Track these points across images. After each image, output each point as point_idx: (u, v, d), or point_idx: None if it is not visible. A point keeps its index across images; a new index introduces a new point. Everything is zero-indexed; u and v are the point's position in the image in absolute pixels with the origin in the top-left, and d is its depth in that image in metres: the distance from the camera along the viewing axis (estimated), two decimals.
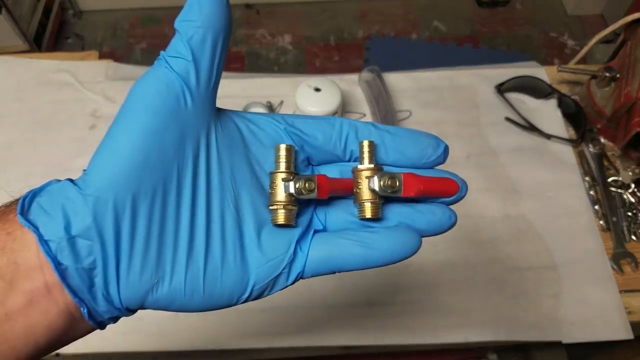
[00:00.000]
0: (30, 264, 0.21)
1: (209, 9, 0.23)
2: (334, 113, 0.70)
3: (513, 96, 0.78)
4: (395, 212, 0.26)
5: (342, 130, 0.26)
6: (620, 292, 0.61)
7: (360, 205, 0.25)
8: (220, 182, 0.24)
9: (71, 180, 0.22)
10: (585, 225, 0.66)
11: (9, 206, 0.22)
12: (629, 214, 0.67)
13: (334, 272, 0.25)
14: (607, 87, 0.73)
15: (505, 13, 1.97)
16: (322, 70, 1.80)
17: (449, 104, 0.77)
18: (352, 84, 0.79)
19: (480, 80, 0.79)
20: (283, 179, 0.24)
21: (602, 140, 0.72)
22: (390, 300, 0.60)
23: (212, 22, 0.23)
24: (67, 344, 0.24)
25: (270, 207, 0.24)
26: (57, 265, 0.21)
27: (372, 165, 0.25)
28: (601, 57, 0.85)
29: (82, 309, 0.22)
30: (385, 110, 0.72)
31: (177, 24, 0.23)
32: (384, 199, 0.25)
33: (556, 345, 0.59)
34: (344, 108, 0.75)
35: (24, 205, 0.21)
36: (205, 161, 0.24)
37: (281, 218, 0.24)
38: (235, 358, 0.58)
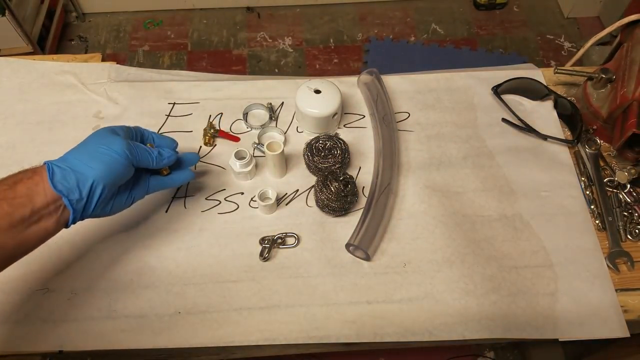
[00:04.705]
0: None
1: None
2: (334, 114, 0.71)
3: (510, 98, 0.79)
4: None
5: None
6: (617, 290, 0.62)
7: None
8: None
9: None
10: (582, 224, 0.67)
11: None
12: (625, 213, 0.68)
13: None
14: (603, 89, 0.73)
15: (502, 16, 1.99)
16: (321, 72, 1.81)
17: (446, 106, 0.78)
18: (352, 86, 0.80)
19: (477, 82, 0.80)
20: None
21: (598, 141, 0.73)
22: (389, 298, 0.61)
23: None
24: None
25: None
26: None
27: None
28: (597, 59, 0.87)
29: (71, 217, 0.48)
30: (384, 112, 0.73)
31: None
32: None
33: (552, 342, 0.59)
34: (343, 110, 0.76)
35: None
36: None
37: None
38: (235, 355, 0.59)
